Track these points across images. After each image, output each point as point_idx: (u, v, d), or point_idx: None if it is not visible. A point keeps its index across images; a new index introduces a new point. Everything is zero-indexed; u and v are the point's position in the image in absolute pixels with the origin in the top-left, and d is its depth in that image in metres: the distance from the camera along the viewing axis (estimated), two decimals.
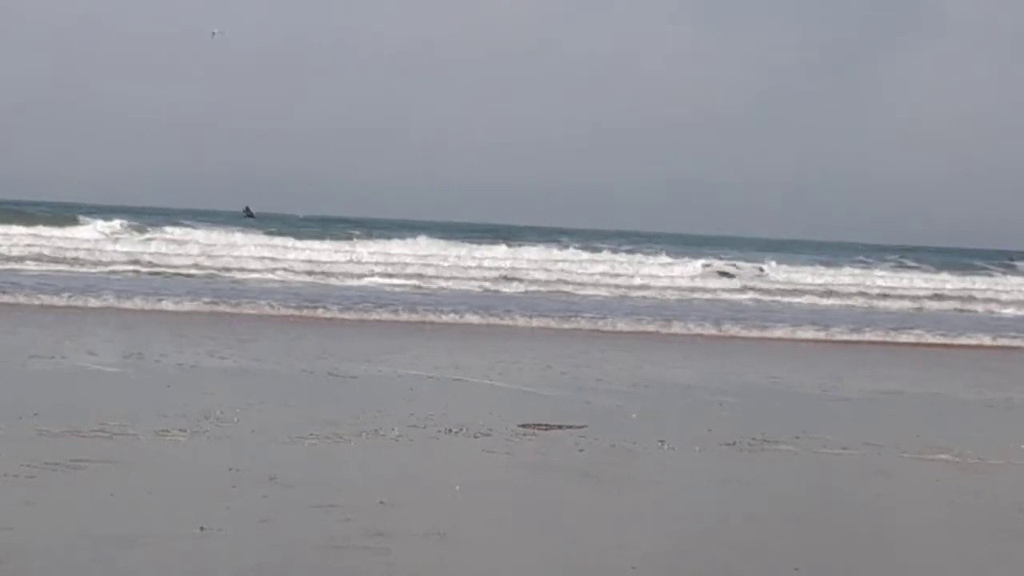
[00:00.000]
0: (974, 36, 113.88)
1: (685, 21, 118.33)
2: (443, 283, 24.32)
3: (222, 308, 16.82)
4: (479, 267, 27.05)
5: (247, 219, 45.62)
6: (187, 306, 16.75)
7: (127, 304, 16.55)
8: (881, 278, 30.60)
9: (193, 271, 23.72)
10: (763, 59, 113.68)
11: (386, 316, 17.17)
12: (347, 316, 16.89)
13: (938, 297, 27.63)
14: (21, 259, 23.59)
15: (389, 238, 31.65)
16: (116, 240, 27.46)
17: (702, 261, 31.22)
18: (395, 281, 24.13)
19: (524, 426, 8.07)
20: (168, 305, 16.67)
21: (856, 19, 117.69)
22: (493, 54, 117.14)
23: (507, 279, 25.31)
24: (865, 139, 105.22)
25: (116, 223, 29.84)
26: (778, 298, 25.50)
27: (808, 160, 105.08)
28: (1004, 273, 35.77)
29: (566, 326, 17.08)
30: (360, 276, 24.74)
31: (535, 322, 17.16)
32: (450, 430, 7.80)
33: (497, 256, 29.23)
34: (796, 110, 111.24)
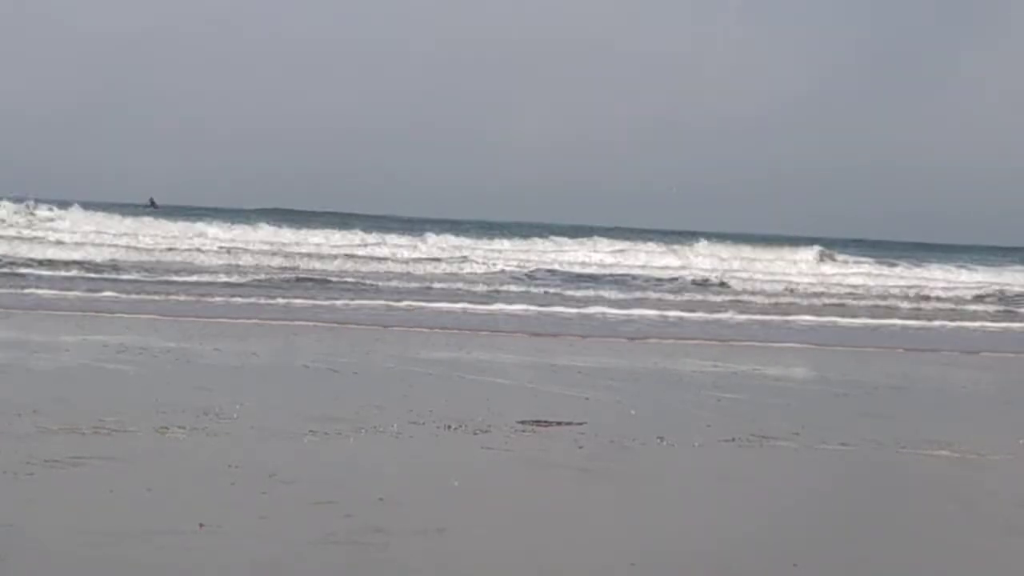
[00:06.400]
0: None
1: (740, 19, 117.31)
2: None
3: None
4: None
5: (152, 209, 45.40)
6: None
7: None
8: None
9: None
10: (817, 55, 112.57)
11: None
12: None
13: None
14: None
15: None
16: None
17: None
18: None
19: (523, 422, 8.07)
20: None
21: (917, 14, 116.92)
22: (545, 52, 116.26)
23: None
24: (920, 133, 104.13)
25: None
26: None
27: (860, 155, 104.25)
28: None
29: None
30: None
31: None
32: (449, 426, 7.80)
33: None
34: (851, 105, 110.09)
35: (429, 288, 23.24)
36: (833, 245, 38.09)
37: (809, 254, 33.80)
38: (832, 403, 10.35)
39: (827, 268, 32.58)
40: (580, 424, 8.10)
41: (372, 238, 31.26)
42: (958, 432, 8.57)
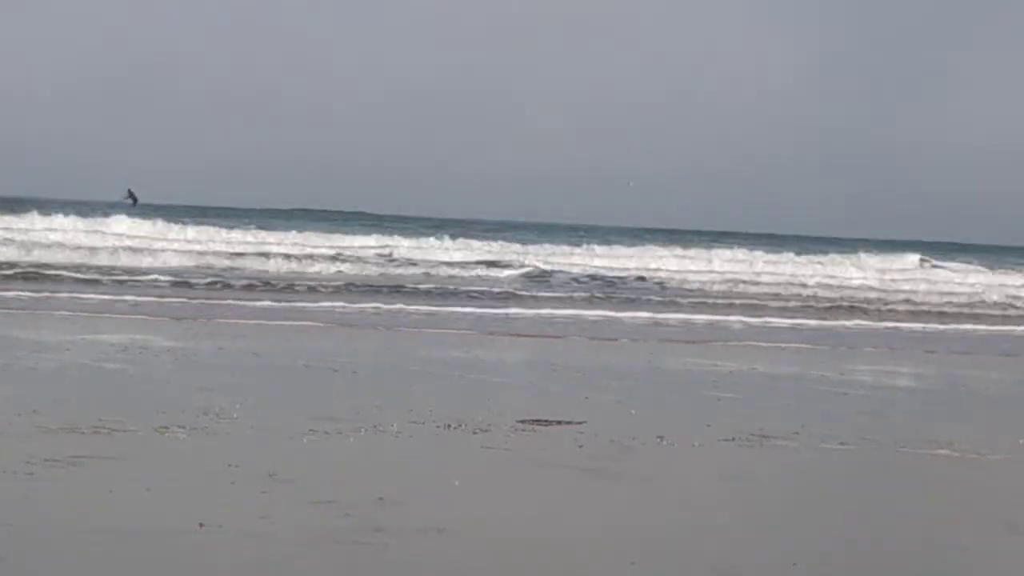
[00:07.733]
0: None
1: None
2: None
3: None
4: None
5: (131, 204, 45.01)
6: None
7: None
8: None
9: None
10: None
11: None
12: None
13: None
14: None
15: None
16: None
17: None
18: None
19: (523, 422, 8.07)
20: None
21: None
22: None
23: None
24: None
25: None
26: None
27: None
28: None
29: None
30: None
31: None
32: (449, 426, 7.80)
33: None
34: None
35: (419, 290, 23.17)
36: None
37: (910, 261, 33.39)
38: (832, 403, 10.35)
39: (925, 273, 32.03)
40: (580, 424, 8.10)
41: (388, 240, 30.92)
42: (958, 432, 8.57)
